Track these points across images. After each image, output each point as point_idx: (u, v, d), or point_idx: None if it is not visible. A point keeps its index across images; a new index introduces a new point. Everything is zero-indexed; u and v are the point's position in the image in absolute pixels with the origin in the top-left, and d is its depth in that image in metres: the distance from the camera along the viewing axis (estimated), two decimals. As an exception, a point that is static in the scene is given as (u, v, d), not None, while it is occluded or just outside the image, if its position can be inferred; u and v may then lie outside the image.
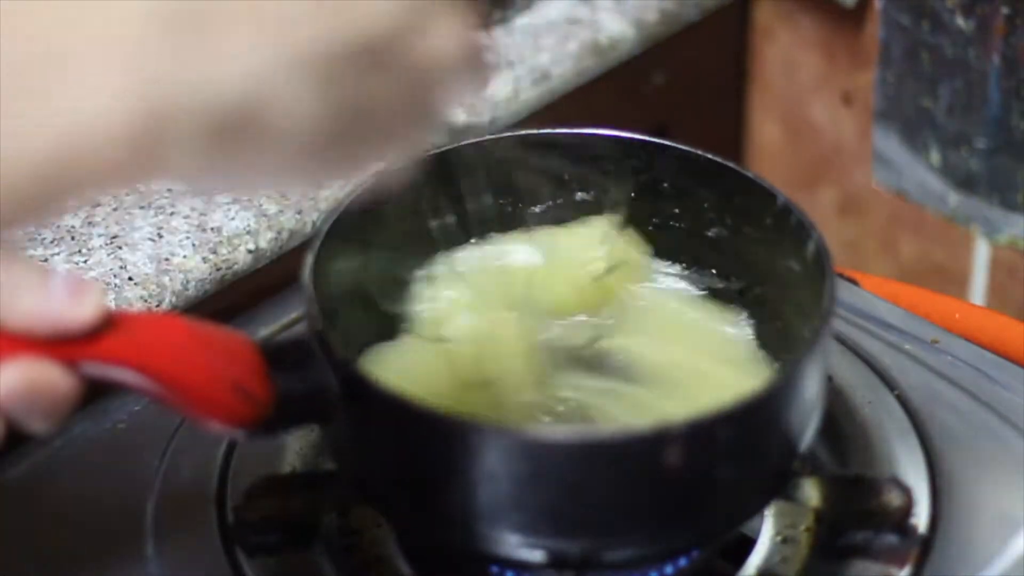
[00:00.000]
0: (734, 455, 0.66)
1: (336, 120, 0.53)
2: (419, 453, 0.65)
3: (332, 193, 0.92)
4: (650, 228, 0.80)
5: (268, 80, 0.51)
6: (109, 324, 0.58)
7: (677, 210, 0.78)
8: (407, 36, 0.53)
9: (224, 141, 0.52)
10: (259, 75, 0.51)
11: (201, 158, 0.52)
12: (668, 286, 0.80)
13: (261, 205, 0.90)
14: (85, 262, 0.86)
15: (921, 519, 0.73)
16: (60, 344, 0.56)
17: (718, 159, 0.76)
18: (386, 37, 0.53)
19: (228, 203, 0.90)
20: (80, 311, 0.56)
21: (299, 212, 0.91)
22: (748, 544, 0.73)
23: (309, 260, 0.69)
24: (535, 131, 0.78)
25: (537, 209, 0.79)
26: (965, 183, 1.05)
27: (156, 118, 0.50)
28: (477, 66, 0.57)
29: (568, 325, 0.77)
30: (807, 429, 0.68)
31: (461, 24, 0.55)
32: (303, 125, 0.52)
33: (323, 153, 0.54)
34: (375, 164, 0.57)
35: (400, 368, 0.75)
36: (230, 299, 0.89)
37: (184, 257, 0.87)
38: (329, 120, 0.53)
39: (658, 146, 0.77)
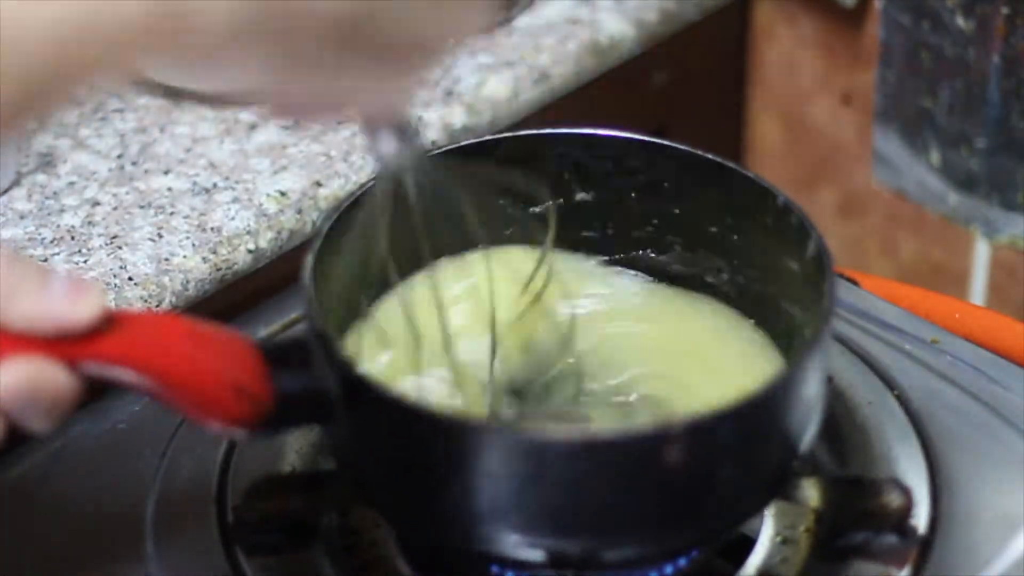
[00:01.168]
0: (734, 455, 0.66)
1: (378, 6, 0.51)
2: (419, 453, 0.65)
3: (332, 192, 0.92)
4: (650, 228, 0.80)
5: None
6: (109, 324, 0.58)
7: (677, 210, 0.78)
8: None
9: (253, 23, 0.50)
10: None
11: (226, 37, 0.50)
12: (666, 286, 0.80)
13: (261, 205, 0.90)
14: (85, 262, 0.86)
15: (921, 520, 0.73)
16: (61, 344, 0.56)
17: (718, 159, 0.76)
18: None
19: (228, 203, 0.90)
20: (80, 311, 0.56)
21: (299, 212, 0.91)
22: (748, 544, 0.73)
23: (309, 260, 0.69)
24: (536, 131, 0.78)
25: (537, 209, 0.79)
26: (965, 183, 1.05)
27: None
28: None
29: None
30: (808, 429, 0.68)
31: None
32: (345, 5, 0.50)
33: (362, 40, 0.52)
34: (411, 65, 0.55)
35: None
36: (230, 299, 0.89)
37: (184, 257, 0.87)
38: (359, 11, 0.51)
39: (658, 146, 0.77)
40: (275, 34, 0.51)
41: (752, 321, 0.78)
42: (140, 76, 0.53)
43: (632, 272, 0.81)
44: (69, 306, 0.56)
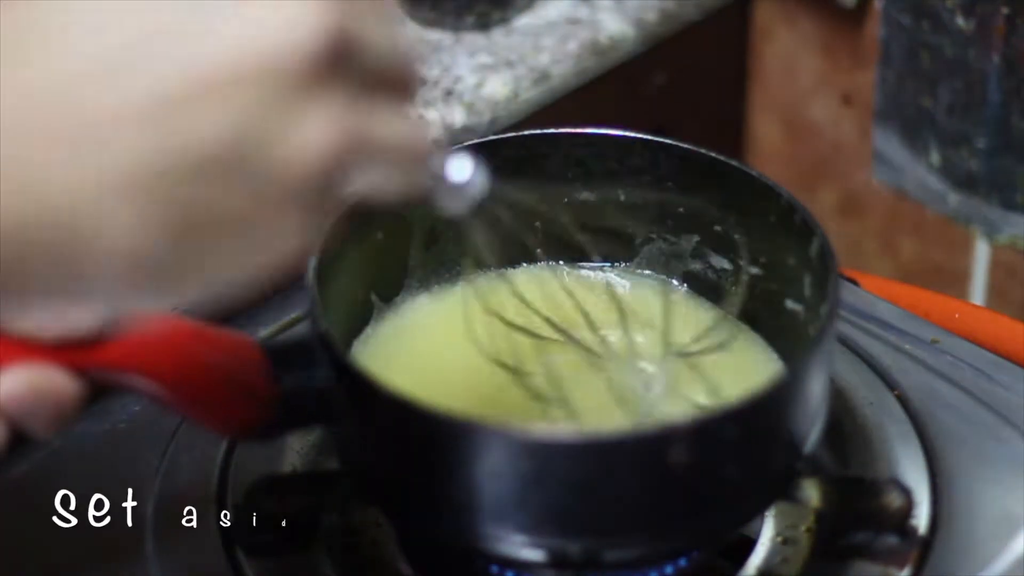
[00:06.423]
0: (739, 455, 0.65)
1: (178, 237, 0.48)
2: (423, 453, 0.65)
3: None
4: (654, 227, 0.80)
5: (93, 199, 0.47)
6: (115, 329, 0.58)
7: (681, 209, 0.78)
8: (259, 147, 0.48)
9: (53, 264, 0.48)
10: (82, 194, 0.47)
11: (31, 282, 0.48)
12: (667, 286, 0.80)
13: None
14: (85, 262, 0.86)
15: (921, 520, 0.73)
16: (66, 350, 0.56)
17: (721, 157, 0.76)
18: (230, 150, 0.48)
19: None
20: (84, 317, 0.56)
21: (299, 212, 0.90)
22: (748, 544, 0.73)
23: (313, 261, 0.69)
24: (538, 131, 0.78)
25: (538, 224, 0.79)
26: (965, 183, 1.05)
27: None
28: (393, 152, 0.52)
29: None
30: (812, 429, 0.68)
31: (340, 121, 0.49)
32: (137, 243, 0.48)
33: (170, 271, 0.49)
34: (247, 275, 0.52)
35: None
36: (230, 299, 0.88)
37: (184, 257, 0.86)
38: (169, 237, 0.48)
39: (661, 145, 0.77)
40: (72, 284, 0.49)
41: (751, 326, 0.78)
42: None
43: (633, 274, 0.81)
44: (73, 312, 0.56)
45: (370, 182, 0.52)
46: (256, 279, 0.52)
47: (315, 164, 0.49)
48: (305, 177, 0.49)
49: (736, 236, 0.77)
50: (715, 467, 0.65)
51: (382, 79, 0.51)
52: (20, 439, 0.57)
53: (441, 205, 0.57)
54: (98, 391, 0.59)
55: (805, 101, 1.18)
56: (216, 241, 0.49)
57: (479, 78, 1.00)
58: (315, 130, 0.49)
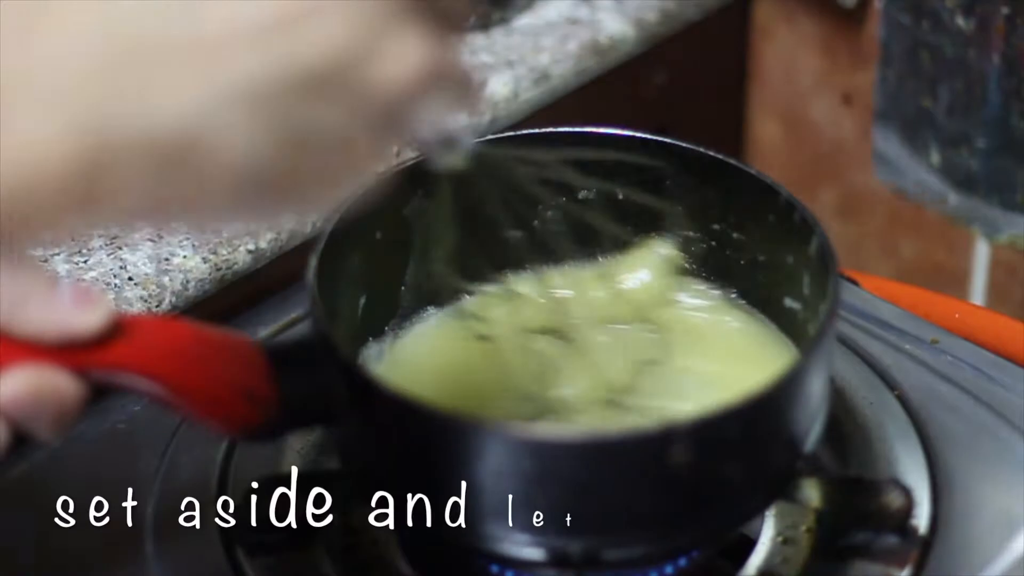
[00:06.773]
0: (739, 454, 0.66)
1: (284, 152, 0.51)
2: (424, 453, 0.65)
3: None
4: (653, 226, 0.80)
5: (208, 113, 0.49)
6: (116, 331, 0.58)
7: (680, 207, 0.78)
8: (361, 63, 0.51)
9: (168, 175, 0.50)
10: (199, 108, 0.49)
11: (146, 194, 0.50)
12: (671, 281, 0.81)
13: (261, 205, 0.90)
14: (85, 262, 0.86)
15: (921, 520, 0.74)
16: (68, 351, 0.56)
17: (720, 156, 0.76)
18: (335, 65, 0.51)
19: (228, 203, 0.90)
20: (88, 319, 0.56)
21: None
22: (748, 544, 0.73)
23: (313, 262, 0.69)
24: (537, 131, 0.78)
25: (541, 208, 0.79)
26: (965, 183, 1.05)
27: (101, 153, 0.49)
28: (458, 86, 0.54)
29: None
30: (812, 428, 0.69)
31: (429, 45, 0.52)
32: (248, 158, 0.51)
33: (273, 188, 0.52)
34: (334, 197, 0.54)
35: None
36: (230, 299, 0.89)
37: (184, 257, 0.87)
38: (277, 153, 0.51)
39: (660, 143, 0.77)
40: (182, 196, 0.52)
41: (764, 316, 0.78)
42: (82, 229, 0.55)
43: (635, 273, 0.81)
44: (76, 314, 0.56)
45: (435, 113, 0.54)
46: (331, 203, 0.55)
47: (406, 84, 0.52)
48: (396, 95, 0.52)
49: (735, 234, 0.77)
50: (715, 467, 0.65)
51: (452, 15, 0.54)
52: (21, 440, 0.57)
53: (433, 158, 0.58)
54: (98, 391, 0.59)
55: (805, 101, 1.18)
56: (312, 158, 0.52)
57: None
58: (408, 51, 0.52)
